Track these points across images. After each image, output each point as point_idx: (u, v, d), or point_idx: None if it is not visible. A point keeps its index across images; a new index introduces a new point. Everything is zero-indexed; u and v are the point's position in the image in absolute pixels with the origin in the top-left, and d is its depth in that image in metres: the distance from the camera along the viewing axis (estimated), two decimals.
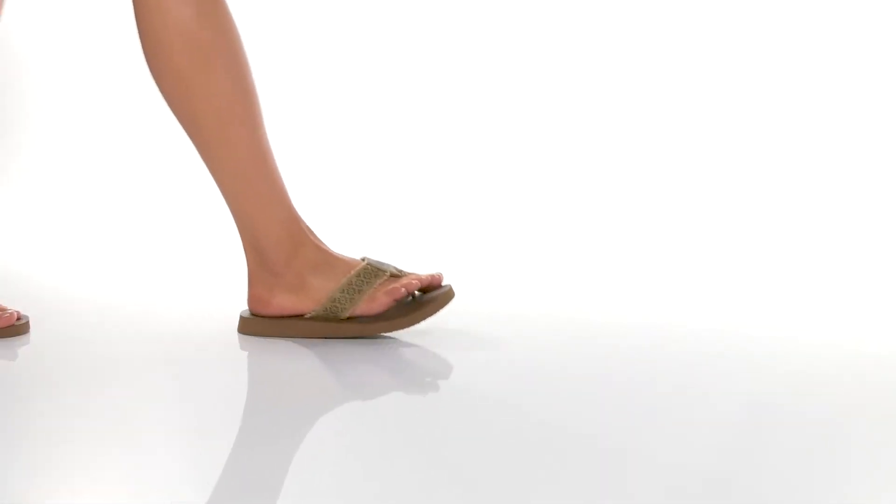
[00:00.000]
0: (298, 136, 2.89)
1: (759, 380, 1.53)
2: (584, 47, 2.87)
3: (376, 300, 1.61)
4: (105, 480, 1.16)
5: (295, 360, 1.58)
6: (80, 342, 1.69)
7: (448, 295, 1.63)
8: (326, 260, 1.64)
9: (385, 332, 1.62)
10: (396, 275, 1.65)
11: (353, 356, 1.57)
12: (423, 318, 1.62)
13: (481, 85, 2.86)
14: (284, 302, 1.65)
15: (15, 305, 1.93)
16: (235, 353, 1.63)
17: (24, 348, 1.65)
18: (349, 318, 1.62)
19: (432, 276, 1.65)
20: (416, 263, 2.23)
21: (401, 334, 1.67)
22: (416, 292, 1.66)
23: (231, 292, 2.02)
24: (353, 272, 1.62)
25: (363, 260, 1.65)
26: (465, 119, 2.85)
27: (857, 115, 2.72)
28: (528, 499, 1.10)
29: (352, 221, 2.15)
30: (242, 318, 1.69)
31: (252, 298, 1.67)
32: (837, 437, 1.31)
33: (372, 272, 1.62)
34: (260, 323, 1.67)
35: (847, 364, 1.61)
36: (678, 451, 1.25)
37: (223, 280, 2.12)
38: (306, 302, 1.64)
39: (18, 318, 1.69)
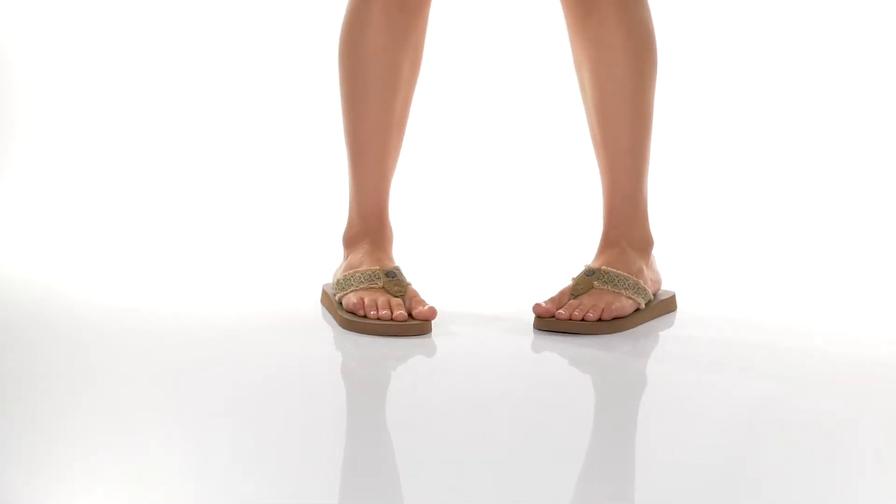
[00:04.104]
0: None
1: (759, 381, 1.53)
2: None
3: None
4: (105, 481, 1.15)
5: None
6: (80, 342, 1.69)
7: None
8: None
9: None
10: None
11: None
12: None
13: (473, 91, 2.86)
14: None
15: (12, 305, 1.92)
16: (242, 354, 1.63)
17: (24, 348, 1.65)
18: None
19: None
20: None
21: None
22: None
23: (229, 293, 2.03)
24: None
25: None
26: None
27: (860, 116, 2.73)
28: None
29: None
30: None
31: None
32: (839, 439, 1.31)
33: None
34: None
35: (850, 365, 1.61)
36: (678, 452, 1.25)
37: (221, 281, 2.12)
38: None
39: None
